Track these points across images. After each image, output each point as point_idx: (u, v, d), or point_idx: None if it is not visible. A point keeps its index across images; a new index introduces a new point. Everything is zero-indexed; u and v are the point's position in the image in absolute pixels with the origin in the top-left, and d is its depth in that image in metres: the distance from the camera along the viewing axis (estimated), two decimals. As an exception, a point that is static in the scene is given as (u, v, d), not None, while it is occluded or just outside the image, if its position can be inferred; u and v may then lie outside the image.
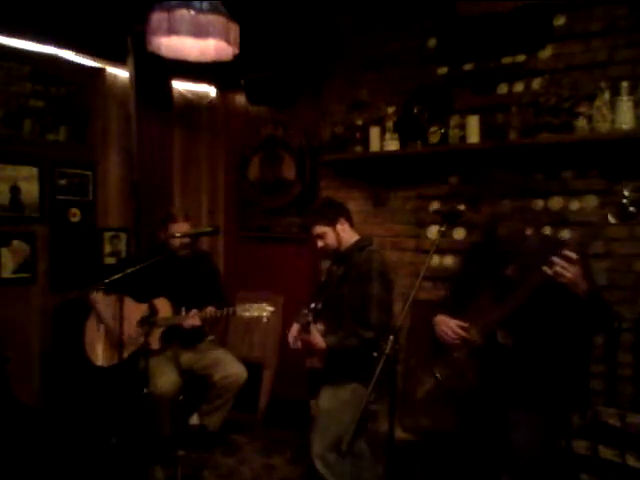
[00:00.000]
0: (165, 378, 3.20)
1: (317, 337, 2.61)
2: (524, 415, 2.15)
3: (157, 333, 3.32)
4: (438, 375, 2.30)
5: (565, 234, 3.08)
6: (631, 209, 1.91)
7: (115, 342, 3.12)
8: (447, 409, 2.44)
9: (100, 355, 3.33)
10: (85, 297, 3.43)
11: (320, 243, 2.81)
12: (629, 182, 2.16)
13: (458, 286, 2.54)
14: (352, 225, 2.87)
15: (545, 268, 1.98)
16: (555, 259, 1.96)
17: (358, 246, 2.77)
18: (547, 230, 3.17)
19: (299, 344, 2.72)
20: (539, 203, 3.23)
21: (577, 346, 2.41)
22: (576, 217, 3.10)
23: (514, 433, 2.16)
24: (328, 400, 2.65)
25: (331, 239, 2.78)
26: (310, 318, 2.60)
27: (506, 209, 2.33)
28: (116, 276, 2.78)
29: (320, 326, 2.69)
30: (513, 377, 2.18)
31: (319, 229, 2.79)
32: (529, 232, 2.35)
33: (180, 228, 3.41)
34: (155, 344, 3.28)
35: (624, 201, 1.91)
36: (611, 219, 1.95)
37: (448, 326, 2.30)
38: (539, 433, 2.17)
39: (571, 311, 2.07)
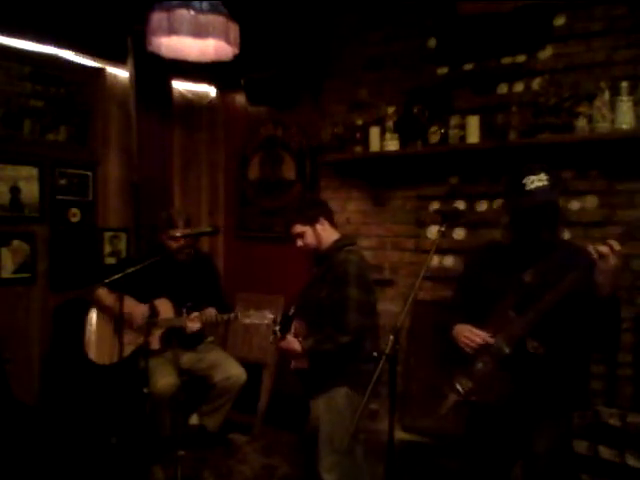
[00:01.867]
0: (164, 379, 3.20)
1: (292, 342, 2.62)
2: (550, 422, 2.09)
3: (157, 333, 3.32)
4: (460, 389, 2.15)
5: (565, 235, 3.07)
6: None
7: (117, 339, 3.11)
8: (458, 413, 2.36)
9: (100, 353, 3.33)
10: (88, 294, 3.43)
11: (299, 242, 2.77)
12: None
13: (467, 291, 2.38)
14: (333, 224, 2.82)
15: (591, 249, 1.87)
16: (601, 248, 1.86)
17: (336, 246, 2.72)
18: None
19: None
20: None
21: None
22: (576, 217, 3.10)
23: (538, 439, 2.08)
24: (325, 412, 2.62)
25: (310, 238, 2.74)
26: (277, 328, 2.67)
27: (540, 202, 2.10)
28: (116, 276, 2.78)
29: (299, 324, 2.69)
30: (543, 385, 2.08)
31: (298, 228, 2.75)
32: (549, 236, 2.17)
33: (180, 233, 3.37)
34: (155, 344, 3.28)
35: None
36: None
37: (473, 333, 2.15)
38: (562, 438, 2.13)
39: (590, 313, 1.99)
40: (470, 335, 2.14)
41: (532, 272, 2.11)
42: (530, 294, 2.06)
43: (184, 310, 3.31)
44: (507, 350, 2.07)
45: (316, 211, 2.77)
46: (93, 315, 3.41)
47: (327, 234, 2.75)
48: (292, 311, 2.73)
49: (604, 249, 1.86)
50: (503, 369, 2.09)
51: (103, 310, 3.35)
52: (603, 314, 1.99)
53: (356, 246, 2.79)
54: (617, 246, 1.86)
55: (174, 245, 3.37)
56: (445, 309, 2.47)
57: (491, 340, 2.11)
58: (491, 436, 2.20)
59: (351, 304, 2.53)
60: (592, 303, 1.95)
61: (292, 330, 2.69)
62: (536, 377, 2.07)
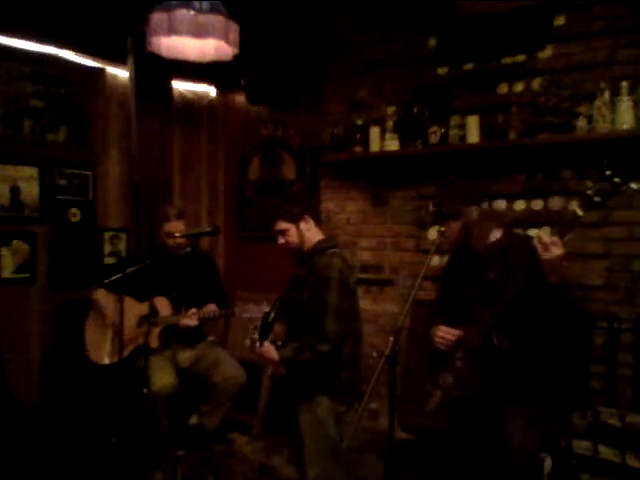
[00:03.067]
0: (162, 379, 3.20)
1: (269, 351, 2.54)
2: (517, 409, 2.21)
3: (156, 331, 3.32)
4: (443, 385, 2.31)
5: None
6: (596, 199, 1.98)
7: (116, 339, 3.12)
8: (446, 411, 2.45)
9: (101, 353, 3.33)
10: (87, 295, 3.44)
11: (281, 240, 2.67)
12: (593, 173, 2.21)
13: (444, 293, 2.58)
14: (318, 222, 2.76)
15: (535, 240, 2.03)
16: (544, 239, 2.00)
17: (319, 248, 2.64)
18: (547, 231, 3.17)
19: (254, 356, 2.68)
20: (539, 203, 3.23)
21: (567, 342, 2.52)
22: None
23: (507, 427, 2.21)
24: (309, 423, 2.55)
25: (293, 237, 2.64)
26: (256, 336, 2.56)
27: (473, 216, 2.35)
28: (115, 276, 2.78)
29: (279, 328, 2.63)
30: (508, 376, 2.23)
31: (281, 225, 2.65)
32: (499, 233, 2.37)
33: (174, 227, 3.38)
34: (154, 342, 3.29)
35: (588, 192, 1.99)
36: (578, 211, 2.00)
37: (444, 332, 2.31)
38: (531, 425, 2.23)
39: (545, 303, 2.14)
40: (442, 334, 2.31)
41: (494, 269, 2.28)
42: (494, 290, 2.20)
43: (182, 307, 3.32)
44: (476, 345, 2.21)
45: (301, 208, 2.67)
46: (93, 315, 3.42)
47: (311, 233, 2.67)
48: (272, 317, 2.63)
49: (545, 240, 2.00)
50: (474, 363, 2.24)
51: (102, 311, 3.35)
52: (553, 300, 2.13)
53: (338, 248, 2.71)
54: (555, 239, 2.00)
55: (171, 242, 3.37)
56: (430, 316, 2.55)
57: (456, 333, 2.27)
58: (471, 428, 2.36)
59: (330, 310, 2.45)
60: (544, 291, 2.09)
61: (270, 337, 2.61)
62: (502, 369, 2.21)
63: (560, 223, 2.21)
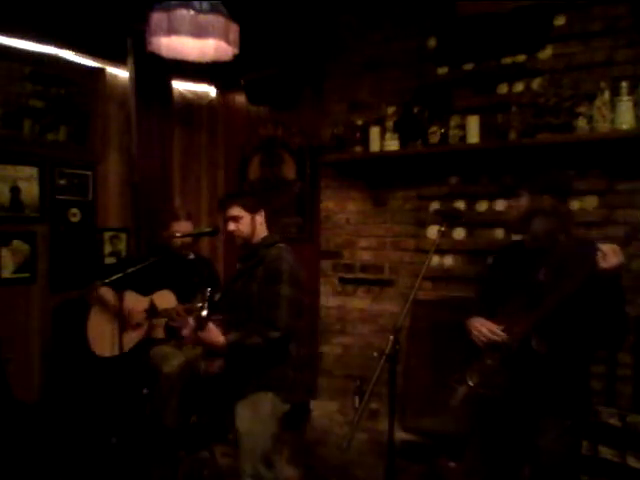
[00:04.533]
0: (172, 360, 3.21)
1: (215, 333, 2.35)
2: (554, 420, 2.10)
3: (161, 323, 3.34)
4: (471, 382, 2.21)
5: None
6: None
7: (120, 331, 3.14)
8: (448, 410, 2.40)
9: (104, 345, 3.35)
10: (91, 292, 3.45)
11: (232, 226, 2.61)
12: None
13: (487, 290, 2.44)
14: (269, 224, 2.71)
15: (599, 251, 1.92)
16: (604, 247, 1.91)
17: (266, 242, 2.62)
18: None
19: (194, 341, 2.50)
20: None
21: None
22: (576, 217, 3.10)
23: (542, 438, 2.09)
24: (249, 421, 2.43)
25: (245, 226, 2.61)
26: (204, 313, 2.24)
27: (546, 205, 2.20)
28: (115, 276, 2.79)
29: (217, 316, 2.44)
30: (545, 383, 2.11)
31: (237, 210, 2.61)
32: (561, 235, 2.24)
33: (182, 227, 3.47)
34: (159, 333, 3.33)
35: None
36: None
37: (485, 326, 2.21)
38: (568, 438, 2.12)
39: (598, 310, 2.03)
40: (481, 328, 2.20)
41: (545, 270, 2.15)
42: (542, 292, 2.09)
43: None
44: (513, 346, 2.11)
45: (259, 203, 2.68)
46: (95, 310, 3.44)
47: (261, 228, 2.66)
48: (215, 297, 2.42)
49: (605, 249, 1.91)
50: (508, 365, 2.13)
51: (104, 305, 3.37)
52: (605, 291, 2.00)
53: (285, 244, 2.65)
54: (615, 247, 1.92)
55: (178, 242, 3.41)
56: (467, 310, 2.43)
57: (501, 334, 2.15)
58: (496, 431, 2.23)
59: (283, 301, 2.41)
60: (595, 283, 1.97)
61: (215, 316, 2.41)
62: (537, 375, 2.10)
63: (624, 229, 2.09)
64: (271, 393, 2.44)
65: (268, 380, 2.45)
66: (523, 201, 2.24)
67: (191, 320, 2.52)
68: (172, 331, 3.35)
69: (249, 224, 2.61)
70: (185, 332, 2.61)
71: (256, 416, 2.42)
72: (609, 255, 1.89)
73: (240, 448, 2.43)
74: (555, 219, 2.21)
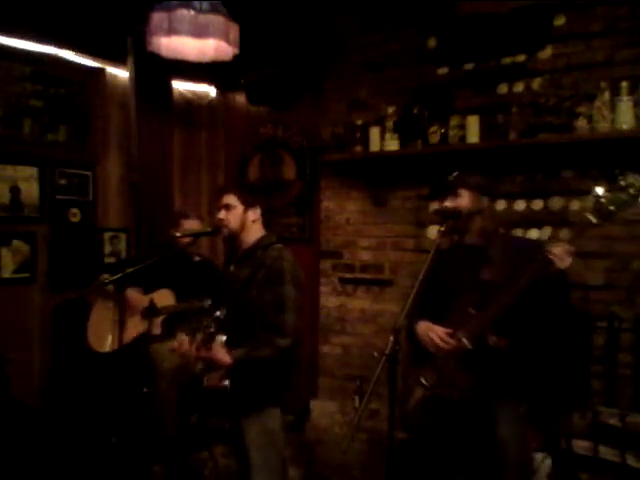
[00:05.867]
0: (170, 357, 3.19)
1: (221, 352, 2.19)
2: (507, 405, 2.20)
3: (159, 320, 3.35)
4: (425, 383, 2.25)
5: (566, 235, 3.08)
6: (611, 207, 1.98)
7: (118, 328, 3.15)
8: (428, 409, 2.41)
9: (103, 341, 3.36)
10: (96, 290, 3.47)
11: (222, 214, 2.46)
12: (602, 180, 2.29)
13: (429, 290, 2.41)
14: (265, 225, 2.57)
15: (546, 253, 2.04)
16: (555, 250, 2.03)
17: (263, 243, 2.48)
18: (548, 230, 3.17)
19: (193, 358, 2.32)
20: (539, 203, 3.23)
21: (567, 342, 2.50)
22: (576, 217, 3.10)
23: (501, 428, 2.18)
24: (257, 435, 2.34)
25: (235, 217, 2.45)
26: (212, 330, 2.17)
27: (484, 206, 2.33)
28: (115, 276, 2.79)
29: (222, 336, 2.28)
30: (504, 377, 2.20)
31: (231, 198, 2.47)
32: (495, 234, 2.38)
33: (192, 225, 3.48)
34: (157, 330, 3.32)
35: (602, 200, 1.98)
36: (592, 218, 2.00)
37: (435, 333, 2.26)
38: (521, 421, 2.23)
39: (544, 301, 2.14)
40: (433, 336, 2.26)
41: (490, 269, 2.24)
42: (489, 291, 2.16)
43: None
44: (469, 346, 2.16)
45: (257, 200, 2.55)
46: (96, 308, 3.45)
47: (254, 227, 2.51)
48: (222, 314, 2.28)
49: (558, 251, 2.03)
50: (464, 364, 2.19)
51: (107, 298, 3.40)
52: (554, 285, 2.13)
53: (281, 244, 2.53)
54: (571, 248, 2.04)
55: (186, 240, 3.42)
56: (410, 313, 2.45)
57: (450, 341, 2.20)
58: (460, 428, 2.31)
59: (289, 304, 2.29)
60: (546, 293, 2.12)
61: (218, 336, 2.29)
62: (497, 370, 2.19)
63: (572, 228, 2.21)
64: (278, 409, 2.36)
65: (274, 393, 2.36)
66: (464, 201, 2.32)
67: (197, 338, 2.33)
68: (170, 328, 3.35)
69: (239, 217, 2.46)
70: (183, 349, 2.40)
71: (265, 431, 2.35)
72: (564, 256, 2.01)
73: (250, 464, 2.34)
74: (492, 219, 2.37)
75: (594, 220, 1.99)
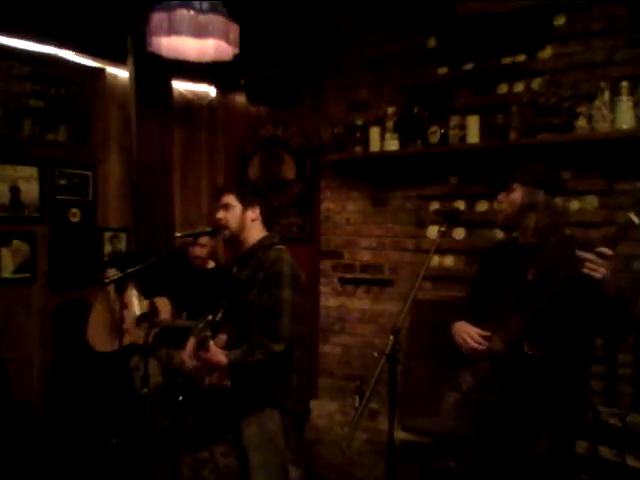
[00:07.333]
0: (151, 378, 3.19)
1: (217, 354, 2.22)
2: (545, 427, 2.06)
3: (152, 331, 3.33)
4: (464, 388, 2.16)
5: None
6: None
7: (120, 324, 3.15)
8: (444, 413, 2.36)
9: (103, 341, 3.35)
10: (101, 287, 3.47)
11: (221, 214, 2.43)
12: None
13: (477, 290, 2.36)
14: (267, 225, 2.51)
15: (580, 266, 1.85)
16: (587, 255, 1.83)
17: (263, 244, 2.42)
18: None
19: (195, 363, 2.37)
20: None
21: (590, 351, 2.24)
22: (576, 217, 3.10)
23: (535, 444, 2.05)
24: (256, 436, 2.32)
25: (234, 217, 2.41)
26: (208, 333, 2.20)
27: (540, 200, 2.14)
28: (116, 277, 2.79)
29: (222, 336, 2.36)
30: (539, 387, 2.05)
31: (229, 198, 2.43)
32: (553, 232, 2.16)
33: (203, 240, 3.49)
34: (149, 339, 3.30)
35: None
36: (635, 219, 1.81)
37: (469, 334, 2.14)
38: (562, 445, 2.08)
39: (595, 313, 1.96)
40: (467, 337, 2.14)
41: (534, 269, 2.08)
42: (531, 292, 2.02)
43: (184, 314, 3.33)
44: (503, 350, 2.05)
45: (257, 198, 2.48)
46: (96, 308, 3.44)
47: (254, 227, 2.45)
48: (217, 317, 2.38)
49: (590, 266, 1.83)
50: (500, 369, 2.07)
51: (107, 299, 3.40)
52: (610, 315, 1.95)
53: (283, 245, 2.49)
54: (608, 252, 1.83)
55: (193, 251, 3.43)
56: (452, 311, 2.38)
57: (488, 345, 2.09)
58: (491, 435, 2.18)
59: (285, 308, 2.25)
60: (600, 303, 1.92)
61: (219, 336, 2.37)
62: (531, 378, 2.04)
63: (614, 229, 1.93)
64: (277, 410, 2.33)
65: (273, 394, 2.33)
66: (517, 195, 2.16)
67: (192, 340, 2.40)
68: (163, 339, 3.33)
69: (238, 217, 2.41)
70: (185, 356, 2.47)
71: (264, 433, 2.32)
72: (597, 263, 1.82)
73: (250, 465, 2.33)
74: (548, 215, 2.14)
75: (637, 220, 1.81)
